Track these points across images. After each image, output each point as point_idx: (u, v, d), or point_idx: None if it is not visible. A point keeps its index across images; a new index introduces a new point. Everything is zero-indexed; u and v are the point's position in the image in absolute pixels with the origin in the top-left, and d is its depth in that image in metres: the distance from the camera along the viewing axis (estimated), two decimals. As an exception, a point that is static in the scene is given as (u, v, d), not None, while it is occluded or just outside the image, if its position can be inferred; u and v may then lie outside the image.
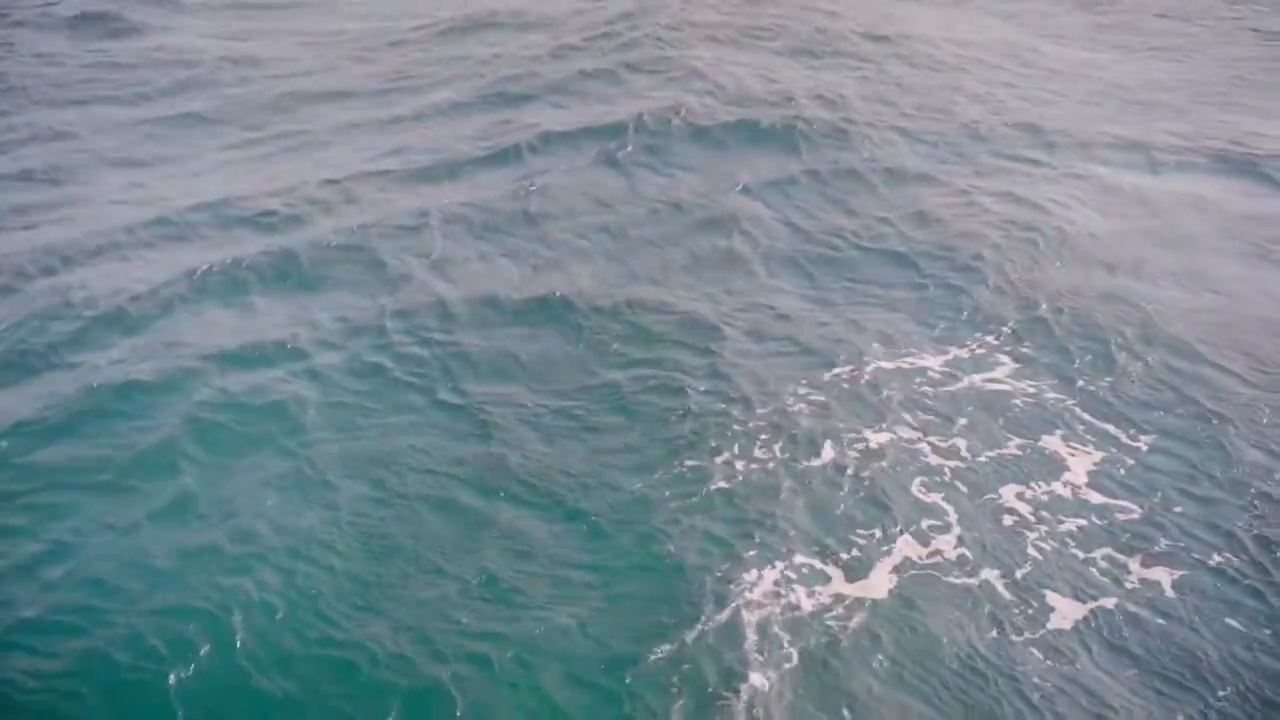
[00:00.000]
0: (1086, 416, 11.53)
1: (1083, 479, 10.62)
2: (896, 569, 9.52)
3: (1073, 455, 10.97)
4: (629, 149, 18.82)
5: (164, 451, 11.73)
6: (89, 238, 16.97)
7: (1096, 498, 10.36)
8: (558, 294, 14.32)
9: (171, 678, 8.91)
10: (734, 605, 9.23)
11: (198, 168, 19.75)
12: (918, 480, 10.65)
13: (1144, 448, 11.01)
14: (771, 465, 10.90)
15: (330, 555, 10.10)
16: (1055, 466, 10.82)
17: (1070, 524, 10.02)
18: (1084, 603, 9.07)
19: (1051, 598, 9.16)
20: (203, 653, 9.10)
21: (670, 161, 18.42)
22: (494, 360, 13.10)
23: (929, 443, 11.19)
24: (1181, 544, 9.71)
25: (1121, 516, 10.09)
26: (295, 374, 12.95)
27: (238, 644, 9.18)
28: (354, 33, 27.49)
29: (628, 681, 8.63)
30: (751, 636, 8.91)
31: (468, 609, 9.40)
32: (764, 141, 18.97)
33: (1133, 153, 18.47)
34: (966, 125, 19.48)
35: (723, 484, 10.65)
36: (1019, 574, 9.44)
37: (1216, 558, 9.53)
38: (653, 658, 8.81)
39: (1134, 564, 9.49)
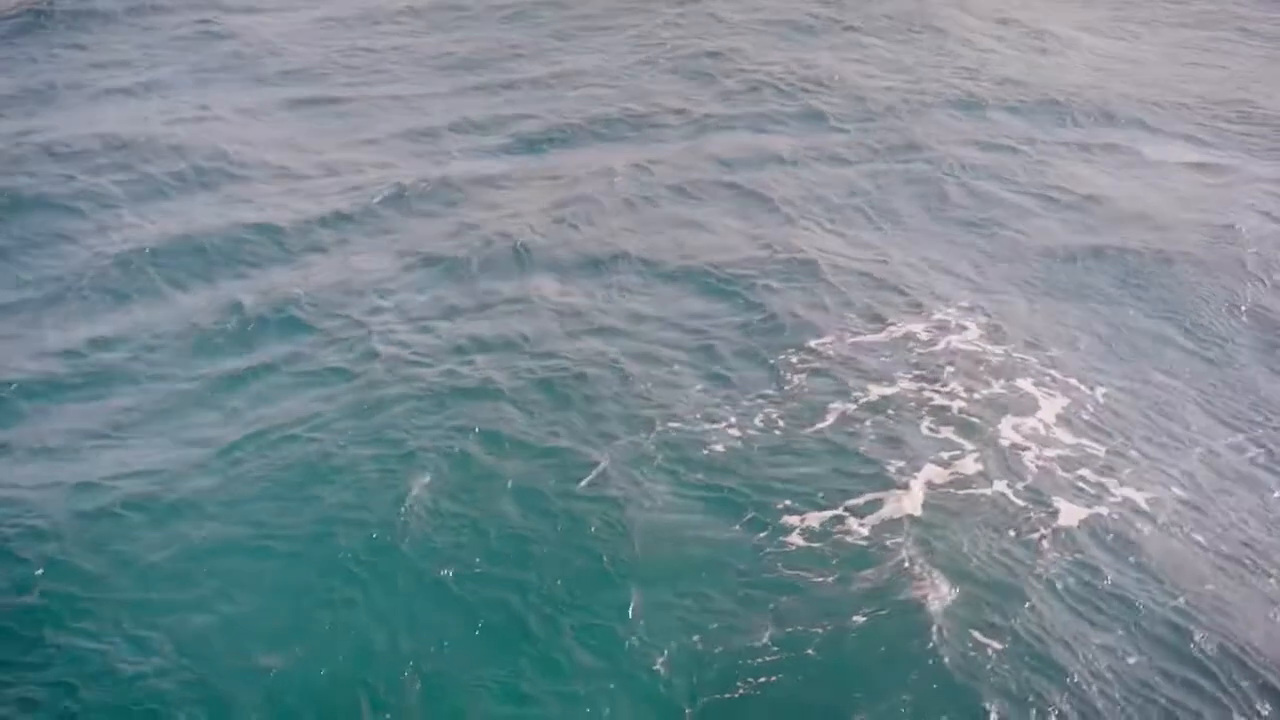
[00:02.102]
0: (1062, 370, 12.95)
1: (1059, 417, 12.07)
2: (929, 487, 10.85)
3: (1047, 398, 12.37)
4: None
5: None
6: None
7: (1073, 431, 11.85)
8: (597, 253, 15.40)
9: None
10: (800, 536, 10.29)
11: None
12: (924, 423, 11.92)
13: (1103, 394, 12.52)
14: (792, 421, 11.90)
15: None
16: (1030, 405, 12.23)
17: (1059, 448, 11.54)
18: (1083, 508, 10.62)
19: (1056, 503, 10.67)
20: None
21: (701, 139, 19.38)
22: (536, 319, 13.96)
23: (928, 393, 12.43)
24: (1146, 475, 11.29)
25: (1090, 450, 11.59)
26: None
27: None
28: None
29: (691, 605, 9.52)
30: (816, 557, 10.04)
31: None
32: (790, 122, 20.11)
33: (1140, 125, 20.18)
34: (971, 103, 20.90)
35: (746, 441, 11.55)
36: (1022, 485, 10.93)
37: (1176, 489, 11.14)
38: (711, 589, 9.69)
39: (1111, 484, 11.06)
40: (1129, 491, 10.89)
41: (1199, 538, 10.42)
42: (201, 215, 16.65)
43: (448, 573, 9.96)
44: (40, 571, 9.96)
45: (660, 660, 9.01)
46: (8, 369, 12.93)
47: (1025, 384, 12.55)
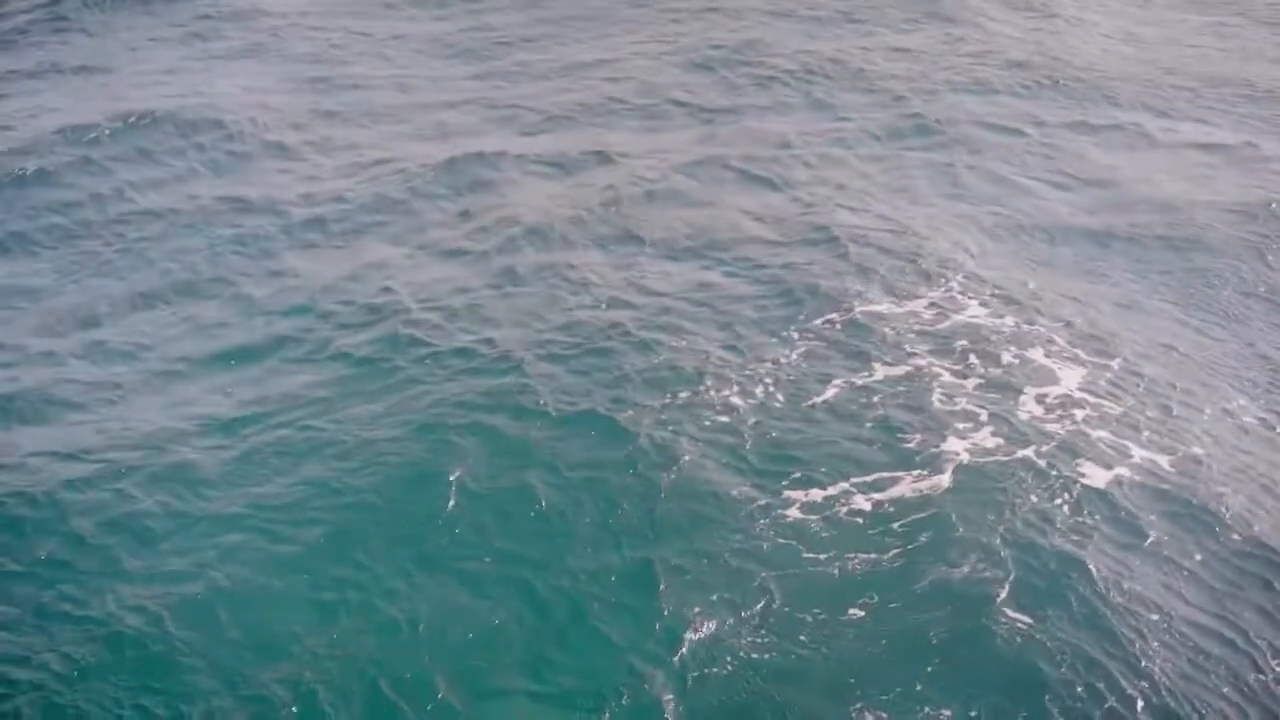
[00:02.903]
0: (1068, 338, 12.91)
1: (1074, 385, 12.05)
2: (951, 461, 10.78)
3: (1061, 369, 12.35)
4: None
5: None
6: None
7: (1089, 398, 11.80)
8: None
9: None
10: (825, 509, 10.23)
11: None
12: (938, 394, 11.85)
13: (1117, 364, 12.47)
14: (814, 395, 11.82)
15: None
16: (1048, 376, 12.19)
17: (1076, 414, 11.51)
18: (1106, 469, 10.64)
19: (1082, 467, 10.67)
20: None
21: (712, 125, 19.46)
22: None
23: (942, 366, 12.38)
24: (1166, 438, 11.28)
25: (1111, 412, 11.61)
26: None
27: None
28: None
29: (691, 578, 9.44)
30: (843, 529, 10.00)
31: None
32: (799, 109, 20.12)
33: (1147, 106, 20.18)
34: (981, 86, 20.91)
35: (767, 415, 11.45)
36: (1045, 449, 10.91)
37: (1196, 449, 11.15)
38: (730, 561, 9.63)
39: (1133, 446, 11.09)
40: (1150, 453, 10.89)
41: (1223, 489, 10.43)
42: (206, 192, 16.71)
43: (461, 547, 9.93)
44: (42, 539, 9.98)
45: (677, 634, 8.92)
46: (8, 345, 12.96)
47: (1041, 356, 12.51)
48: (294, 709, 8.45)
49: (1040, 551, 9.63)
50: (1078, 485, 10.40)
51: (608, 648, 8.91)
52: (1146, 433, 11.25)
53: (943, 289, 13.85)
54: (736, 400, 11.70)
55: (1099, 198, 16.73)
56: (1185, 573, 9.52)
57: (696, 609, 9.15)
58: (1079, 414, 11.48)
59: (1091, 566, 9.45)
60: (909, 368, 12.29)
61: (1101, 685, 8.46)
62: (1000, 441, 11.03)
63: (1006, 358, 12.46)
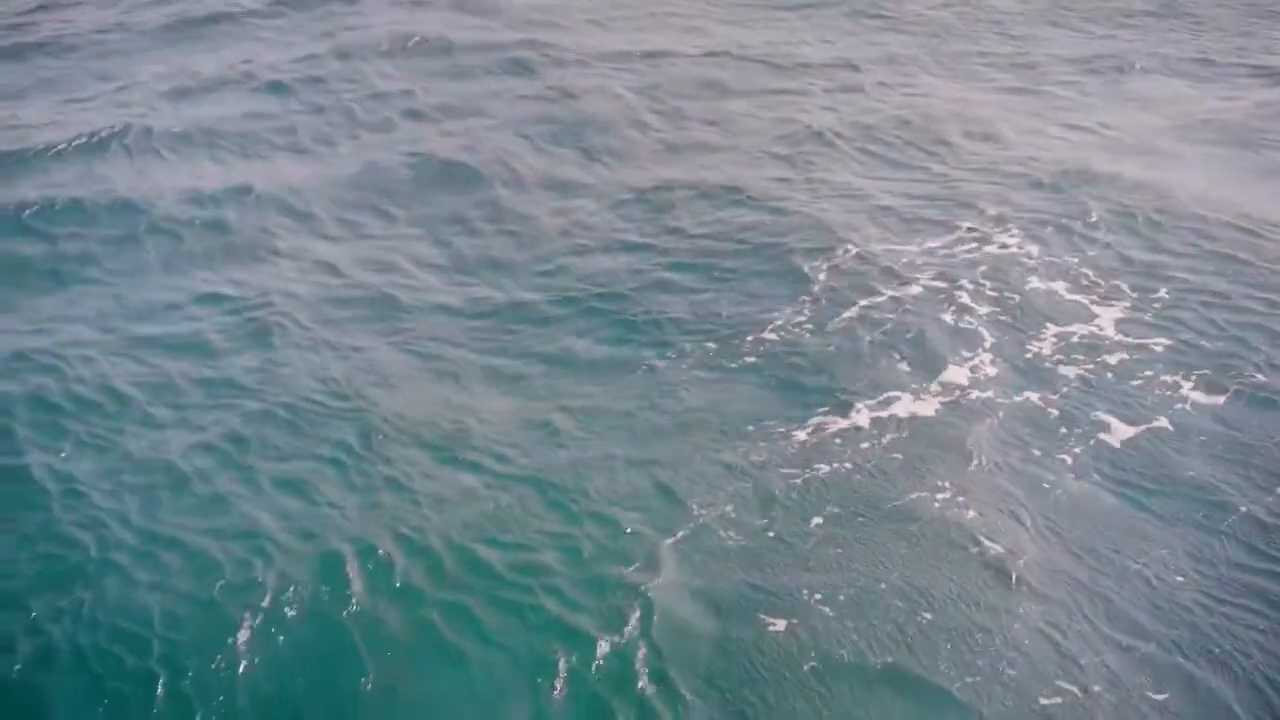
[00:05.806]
0: (1102, 273, 11.90)
1: (1109, 323, 11.02)
2: (942, 393, 9.96)
3: (1096, 304, 11.32)
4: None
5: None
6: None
7: (1126, 338, 10.74)
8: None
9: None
10: (805, 429, 9.62)
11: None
12: (949, 320, 11.09)
13: (1166, 296, 11.41)
14: (807, 322, 11.21)
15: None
16: (1081, 313, 11.21)
17: (1106, 357, 10.43)
18: (1134, 425, 9.40)
19: (1101, 417, 9.52)
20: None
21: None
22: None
23: (954, 296, 11.54)
24: (1218, 373, 10.13)
25: (1155, 349, 10.53)
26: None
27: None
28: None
29: (695, 489, 8.96)
30: (817, 452, 9.34)
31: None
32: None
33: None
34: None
35: (769, 342, 10.90)
36: (1056, 396, 9.84)
37: (1257, 375, 9.97)
38: (722, 470, 9.11)
39: (1182, 387, 9.91)
40: (1196, 396, 9.75)
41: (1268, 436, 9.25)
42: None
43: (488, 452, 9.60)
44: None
45: (671, 539, 8.50)
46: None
47: (1070, 290, 11.54)
48: (314, 574, 8.27)
49: (1028, 495, 8.76)
50: (1099, 434, 9.35)
51: (609, 552, 8.51)
52: (1194, 372, 10.11)
53: (988, 214, 13.15)
54: (745, 327, 11.13)
55: (1156, 127, 15.61)
56: (1204, 536, 8.29)
57: (694, 516, 8.74)
58: (1119, 352, 10.52)
59: (1068, 508, 8.58)
60: (934, 298, 11.49)
61: (1067, 631, 7.57)
62: (1022, 374, 10.24)
63: (1042, 292, 11.59)
